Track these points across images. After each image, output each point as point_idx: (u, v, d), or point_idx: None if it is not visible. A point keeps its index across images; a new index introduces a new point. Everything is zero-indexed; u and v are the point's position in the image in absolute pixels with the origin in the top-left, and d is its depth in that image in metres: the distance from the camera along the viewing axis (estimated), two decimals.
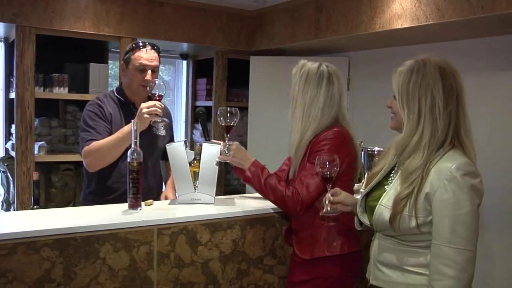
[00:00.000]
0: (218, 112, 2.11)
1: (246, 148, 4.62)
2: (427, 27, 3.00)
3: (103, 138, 2.31)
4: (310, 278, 1.99)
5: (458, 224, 1.47)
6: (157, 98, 2.26)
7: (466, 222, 1.48)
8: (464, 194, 1.48)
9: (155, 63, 2.42)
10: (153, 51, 2.43)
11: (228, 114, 2.09)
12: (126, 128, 2.27)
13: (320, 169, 1.78)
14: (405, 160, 1.59)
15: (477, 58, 3.23)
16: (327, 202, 1.76)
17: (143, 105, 2.23)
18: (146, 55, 2.39)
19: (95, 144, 2.30)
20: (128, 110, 2.40)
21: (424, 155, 1.54)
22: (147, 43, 2.44)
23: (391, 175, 1.71)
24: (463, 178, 1.48)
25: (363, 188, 1.83)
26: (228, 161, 2.08)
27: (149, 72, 2.39)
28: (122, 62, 2.45)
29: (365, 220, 1.74)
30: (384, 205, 1.61)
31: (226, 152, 2.06)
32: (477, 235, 1.51)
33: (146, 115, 2.21)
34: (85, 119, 2.39)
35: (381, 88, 1.73)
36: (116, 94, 2.48)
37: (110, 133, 2.34)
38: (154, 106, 2.23)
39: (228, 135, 2.12)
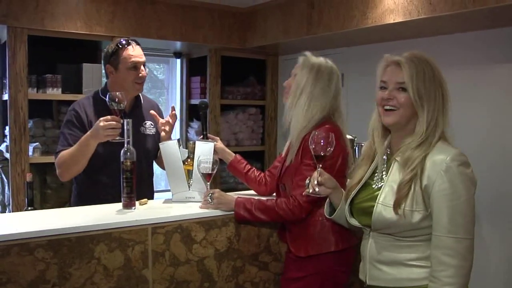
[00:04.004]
0: (198, 162, 2.10)
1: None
2: (419, 21, 3.00)
3: None
4: (305, 274, 1.99)
5: (456, 214, 1.50)
6: (117, 113, 2.16)
7: (464, 211, 1.51)
8: (460, 183, 1.51)
9: (144, 58, 2.44)
10: (138, 46, 2.44)
11: (209, 162, 2.08)
12: (83, 139, 2.23)
13: (313, 146, 1.74)
14: (407, 151, 1.60)
15: (469, 51, 3.24)
16: (315, 182, 1.74)
17: (101, 121, 2.15)
18: (135, 52, 2.39)
19: (61, 156, 2.30)
20: None
21: (431, 145, 1.57)
22: (130, 40, 2.43)
23: (376, 174, 1.71)
24: (458, 168, 1.52)
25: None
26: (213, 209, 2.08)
27: (142, 67, 2.41)
28: (108, 65, 2.41)
29: (354, 222, 1.74)
30: (382, 203, 1.61)
31: (210, 200, 2.07)
32: (474, 223, 1.54)
33: (104, 136, 2.14)
34: (62, 127, 2.41)
35: (374, 83, 1.72)
36: (101, 95, 2.45)
37: None
38: (113, 125, 2.14)
39: (208, 183, 2.12)
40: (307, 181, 1.79)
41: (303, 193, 1.82)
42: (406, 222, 1.56)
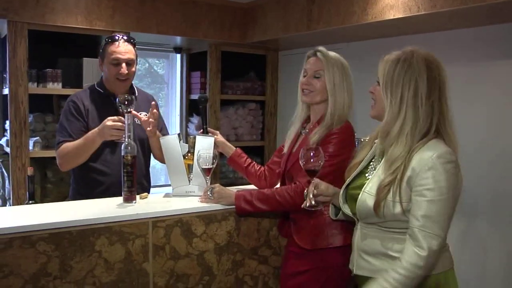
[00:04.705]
0: (198, 156, 2.12)
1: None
2: (419, 17, 3.00)
3: (75, 139, 2.33)
4: (309, 268, 2.00)
5: (432, 210, 1.51)
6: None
7: (440, 209, 1.51)
8: (443, 181, 1.51)
9: (129, 56, 2.42)
10: (127, 43, 2.42)
11: (208, 156, 2.11)
12: (89, 135, 2.28)
13: (304, 163, 1.79)
14: (388, 147, 1.62)
15: (468, 47, 3.24)
16: (311, 196, 1.78)
17: (109, 121, 2.19)
18: (119, 48, 2.39)
19: (64, 147, 2.33)
20: (109, 101, 2.39)
21: (407, 143, 1.58)
22: (121, 36, 2.43)
23: (371, 163, 1.73)
24: (443, 166, 1.52)
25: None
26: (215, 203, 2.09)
27: (123, 65, 2.39)
28: (99, 58, 2.45)
29: (347, 210, 1.78)
30: (368, 192, 1.64)
31: (210, 195, 2.08)
32: (450, 222, 1.55)
33: (109, 135, 2.20)
34: (61, 118, 2.43)
35: (373, 79, 1.74)
36: (96, 87, 2.49)
37: (86, 130, 2.35)
38: (119, 126, 2.18)
39: (208, 177, 2.14)
40: (305, 193, 1.83)
41: (302, 206, 1.84)
42: (388, 213, 1.58)
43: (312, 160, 1.78)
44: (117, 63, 2.38)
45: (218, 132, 2.36)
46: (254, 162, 2.36)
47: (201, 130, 2.32)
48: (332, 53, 2.08)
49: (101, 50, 2.44)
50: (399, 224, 1.59)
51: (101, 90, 2.47)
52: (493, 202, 3.12)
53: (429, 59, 1.62)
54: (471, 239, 3.24)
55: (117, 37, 2.42)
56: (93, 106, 2.41)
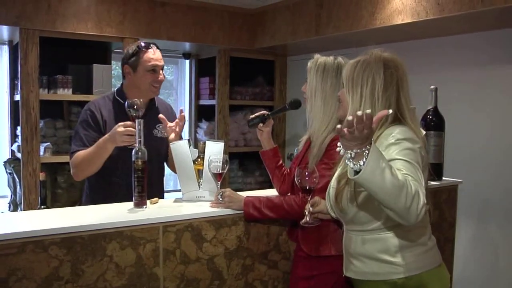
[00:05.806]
0: (209, 161, 2.13)
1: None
2: (428, 22, 3.01)
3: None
4: (317, 273, 2.00)
5: (409, 169, 1.49)
6: (135, 120, 2.18)
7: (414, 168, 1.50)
8: (401, 152, 1.53)
9: (163, 62, 2.48)
10: (158, 50, 2.47)
11: (219, 162, 2.12)
12: (101, 142, 2.27)
13: (300, 181, 1.84)
14: None
15: (478, 52, 3.24)
16: (307, 213, 1.85)
17: (120, 126, 2.18)
18: (155, 56, 2.42)
19: (78, 156, 2.34)
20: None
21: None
22: (151, 44, 2.45)
23: None
24: (401, 142, 1.55)
25: None
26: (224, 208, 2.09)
27: (161, 72, 2.45)
28: (126, 65, 2.43)
29: (332, 213, 1.82)
30: (332, 185, 1.71)
31: (220, 199, 2.09)
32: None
33: (120, 141, 2.18)
34: (77, 126, 2.44)
35: None
36: (116, 96, 2.47)
37: None
38: (130, 131, 2.16)
39: (219, 182, 2.16)
40: (304, 209, 1.88)
41: (301, 222, 1.89)
42: (348, 203, 1.63)
43: (307, 178, 1.83)
44: (155, 69, 2.41)
45: (272, 122, 2.36)
46: (284, 166, 2.35)
47: (264, 113, 2.32)
48: (320, 58, 2.06)
49: (130, 58, 2.41)
50: (367, 219, 1.63)
51: (121, 100, 2.44)
52: (502, 203, 3.10)
53: (387, 58, 1.68)
54: (481, 240, 3.22)
55: (145, 44, 2.43)
56: (111, 116, 2.40)
